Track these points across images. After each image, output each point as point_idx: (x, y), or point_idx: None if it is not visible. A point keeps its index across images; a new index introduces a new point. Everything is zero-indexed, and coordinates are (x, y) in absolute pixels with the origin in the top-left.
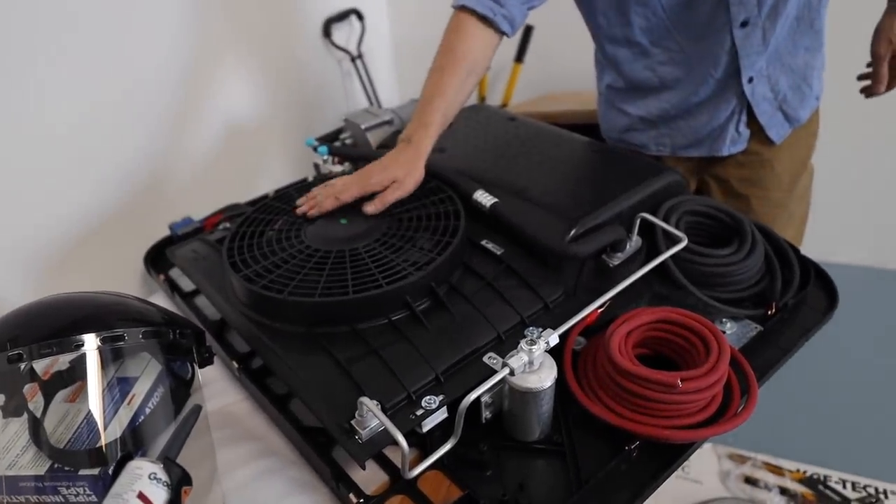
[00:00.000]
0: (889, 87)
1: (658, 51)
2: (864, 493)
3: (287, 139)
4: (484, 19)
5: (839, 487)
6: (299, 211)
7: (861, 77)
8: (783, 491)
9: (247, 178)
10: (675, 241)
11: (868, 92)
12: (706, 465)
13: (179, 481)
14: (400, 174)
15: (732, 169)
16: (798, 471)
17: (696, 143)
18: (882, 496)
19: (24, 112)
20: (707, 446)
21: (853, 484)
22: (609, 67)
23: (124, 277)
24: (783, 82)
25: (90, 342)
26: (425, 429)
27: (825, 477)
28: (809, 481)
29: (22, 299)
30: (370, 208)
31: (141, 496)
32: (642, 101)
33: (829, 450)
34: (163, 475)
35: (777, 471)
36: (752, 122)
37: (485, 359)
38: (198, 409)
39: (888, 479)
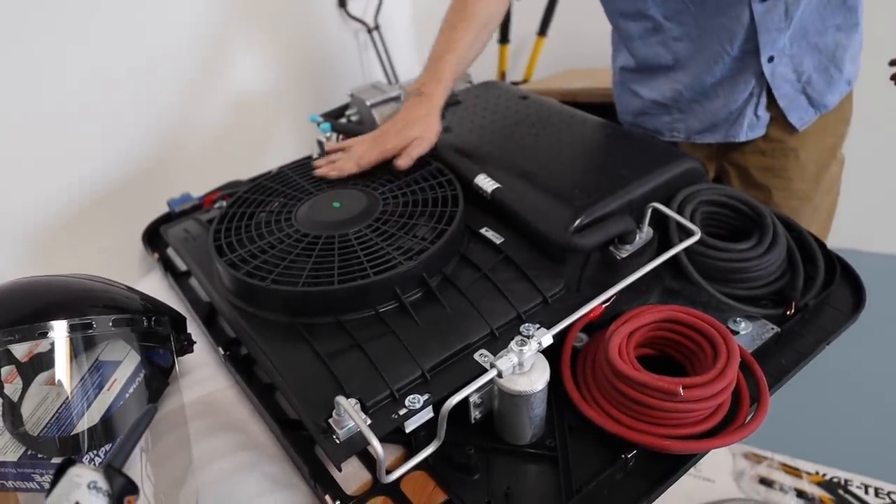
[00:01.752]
0: None
1: (672, 25)
2: (887, 500)
3: (299, 114)
4: None
5: (860, 493)
6: (318, 173)
7: (893, 62)
8: (800, 494)
9: (256, 153)
10: (688, 234)
11: None
12: (720, 464)
13: (121, 491)
14: (418, 132)
15: (753, 157)
16: (817, 473)
17: (711, 127)
18: None
19: (26, 83)
20: None
21: (876, 489)
22: (621, 46)
23: (125, 254)
24: (808, 63)
25: (58, 330)
26: (408, 429)
27: (846, 481)
28: (829, 485)
29: (18, 275)
30: (401, 162)
31: None
32: (654, 83)
33: (850, 452)
34: (104, 484)
35: (794, 472)
36: (773, 105)
37: (476, 356)
38: (152, 411)
39: None
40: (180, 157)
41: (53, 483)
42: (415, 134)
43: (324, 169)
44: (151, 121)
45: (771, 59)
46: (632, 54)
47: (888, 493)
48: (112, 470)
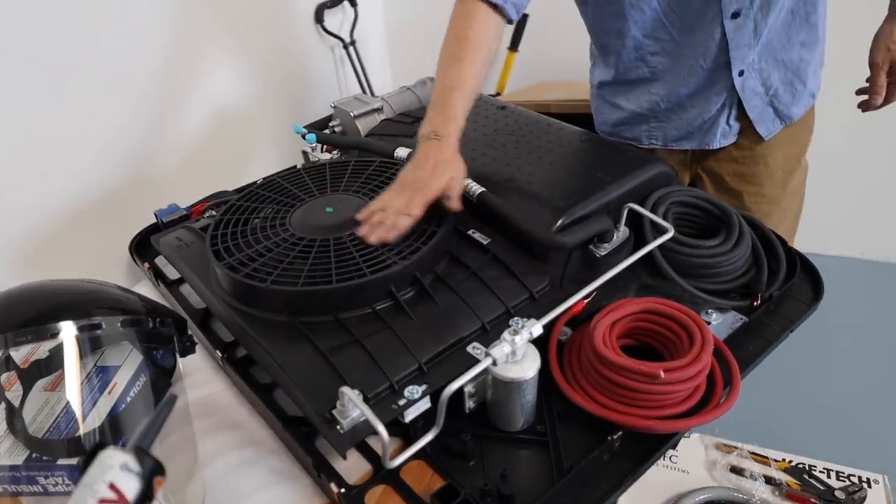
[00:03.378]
0: (887, 101)
1: (650, 42)
2: (847, 482)
3: (278, 126)
4: (494, 6)
5: (823, 476)
6: (372, 241)
7: (860, 91)
8: (768, 480)
9: (237, 165)
10: (661, 231)
11: (865, 106)
12: (693, 455)
13: (152, 471)
14: (451, 171)
15: (726, 164)
16: (783, 460)
17: (687, 135)
18: (865, 485)
19: (7, 96)
20: (694, 437)
21: (837, 473)
22: (600, 59)
23: (110, 265)
24: (775, 77)
25: (67, 330)
26: (407, 419)
27: (810, 466)
28: (794, 470)
29: (3, 287)
30: (455, 206)
31: (112, 487)
32: (633, 95)
33: (814, 439)
34: (135, 465)
35: (763, 460)
36: (744, 116)
37: (469, 349)
38: (173, 399)
39: (872, 469)
40: (164, 169)
41: (85, 466)
42: (449, 174)
43: (376, 237)
44: (135, 134)
45: (741, 73)
46: (611, 68)
47: (848, 476)
48: (141, 451)
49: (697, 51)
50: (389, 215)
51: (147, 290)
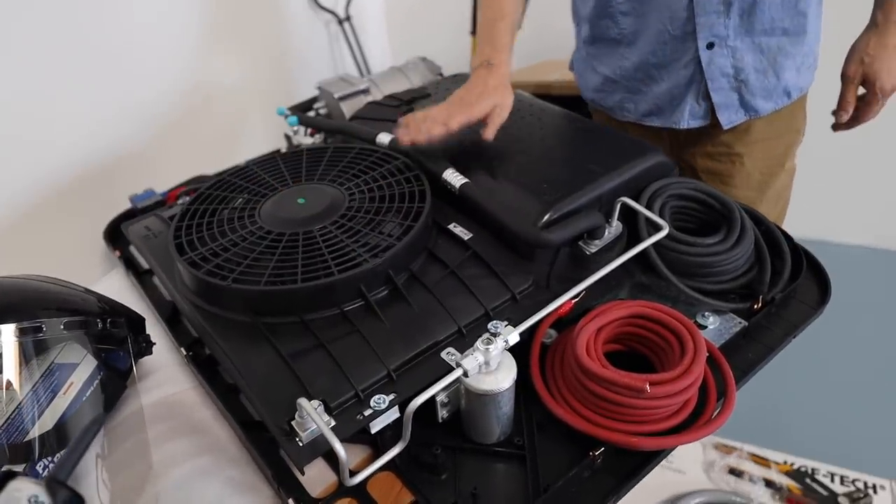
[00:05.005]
0: (858, 120)
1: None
2: (852, 488)
3: (268, 107)
4: None
5: (826, 481)
6: (405, 141)
7: (835, 112)
8: (768, 483)
9: (223, 147)
10: (656, 228)
11: (835, 125)
12: (690, 455)
13: None
14: (498, 99)
15: (700, 159)
16: (785, 463)
17: (656, 110)
18: (871, 491)
19: None
20: None
21: (841, 478)
22: (577, 15)
23: (87, 251)
24: (749, 61)
25: (6, 333)
26: (374, 430)
27: (813, 470)
28: (796, 474)
29: None
30: (489, 134)
31: None
32: (607, 58)
33: (818, 442)
34: (45, 498)
35: (763, 462)
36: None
37: (443, 355)
38: (99, 421)
39: (878, 474)
40: (145, 151)
41: None
42: (496, 101)
43: (408, 137)
44: (115, 113)
45: (710, 46)
46: (585, 23)
47: (853, 481)
48: (55, 483)
49: (664, 14)
50: (427, 121)
51: (120, 278)
